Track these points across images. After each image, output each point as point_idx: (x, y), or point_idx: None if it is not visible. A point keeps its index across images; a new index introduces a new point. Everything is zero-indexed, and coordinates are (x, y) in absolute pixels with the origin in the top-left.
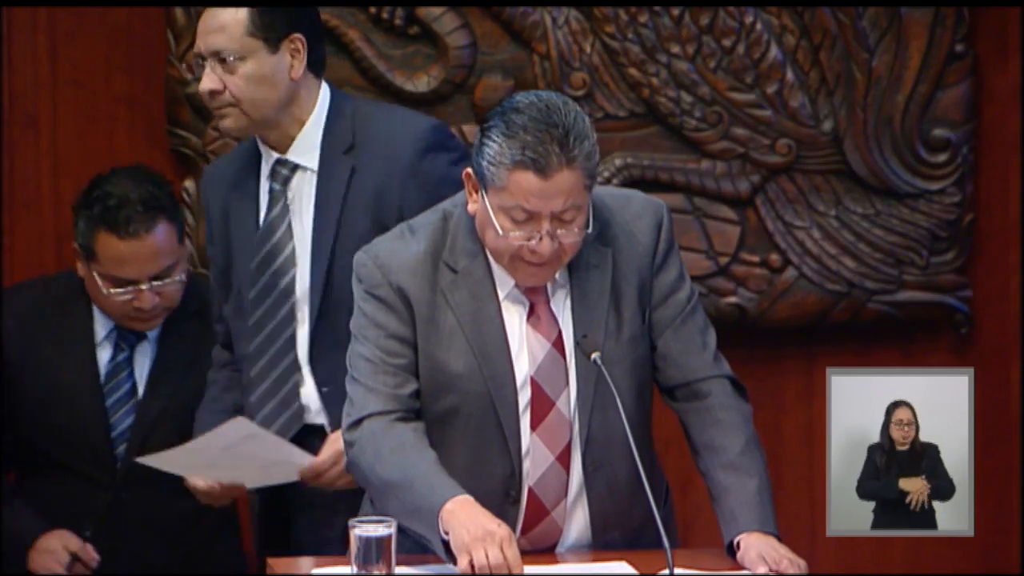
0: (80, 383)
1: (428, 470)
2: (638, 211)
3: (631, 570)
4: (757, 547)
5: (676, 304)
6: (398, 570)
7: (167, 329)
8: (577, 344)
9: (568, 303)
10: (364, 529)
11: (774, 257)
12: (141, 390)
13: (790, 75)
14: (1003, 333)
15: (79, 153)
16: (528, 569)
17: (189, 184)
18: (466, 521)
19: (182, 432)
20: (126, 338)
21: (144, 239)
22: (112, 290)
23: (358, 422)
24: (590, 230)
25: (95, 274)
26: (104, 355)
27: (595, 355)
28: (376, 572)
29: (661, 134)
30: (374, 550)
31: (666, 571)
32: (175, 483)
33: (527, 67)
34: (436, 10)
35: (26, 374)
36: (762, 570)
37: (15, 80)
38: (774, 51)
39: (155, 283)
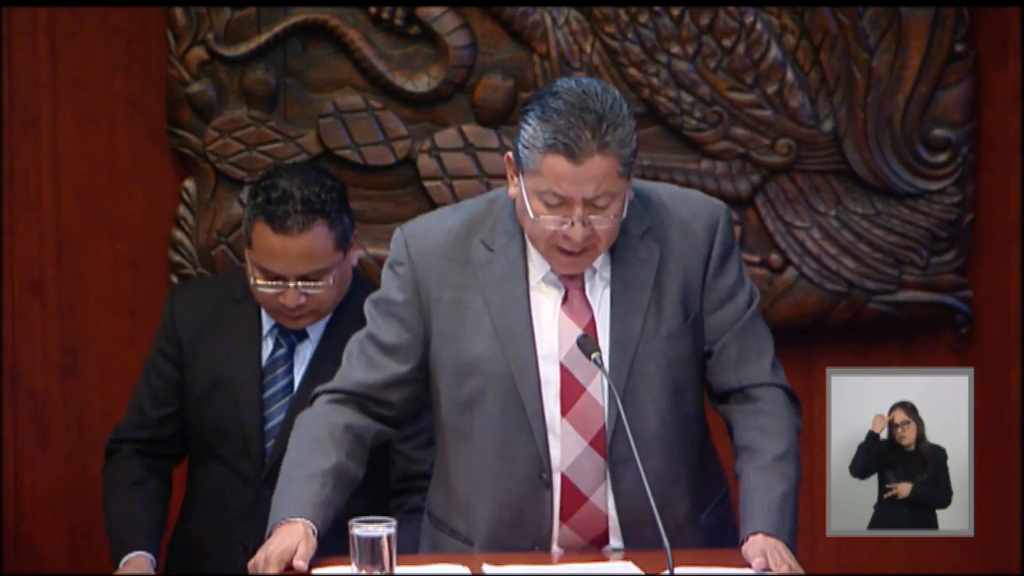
0: (242, 377)
1: (303, 477)
2: (694, 211)
3: (636, 570)
4: (762, 544)
5: (734, 310)
6: (398, 570)
7: (330, 330)
8: (577, 344)
9: (607, 293)
10: (364, 529)
11: (774, 257)
12: (296, 388)
13: (790, 75)
14: (1003, 333)
15: (79, 153)
16: (533, 570)
17: (189, 184)
18: (273, 538)
19: None
20: (286, 335)
21: (296, 237)
22: (260, 281)
23: (319, 394)
24: (624, 215)
25: (249, 262)
26: (266, 350)
27: (595, 355)
28: (376, 572)
29: (661, 134)
30: (374, 550)
31: (668, 571)
32: None
33: (527, 67)
34: (436, 10)
35: (196, 369)
36: (758, 562)
37: (15, 80)
38: (774, 51)
39: (301, 284)
